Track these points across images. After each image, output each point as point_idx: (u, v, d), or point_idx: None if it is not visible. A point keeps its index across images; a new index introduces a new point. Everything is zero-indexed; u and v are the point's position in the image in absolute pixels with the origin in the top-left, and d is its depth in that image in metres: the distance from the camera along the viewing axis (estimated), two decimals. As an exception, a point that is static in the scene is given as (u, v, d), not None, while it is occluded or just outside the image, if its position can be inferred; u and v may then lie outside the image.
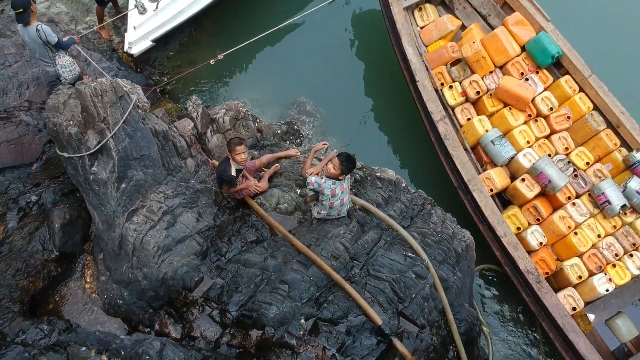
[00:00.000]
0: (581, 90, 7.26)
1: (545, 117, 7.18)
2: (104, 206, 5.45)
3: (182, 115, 6.65)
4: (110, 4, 8.15)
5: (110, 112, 5.39)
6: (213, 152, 6.58)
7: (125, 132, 5.46)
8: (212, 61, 6.21)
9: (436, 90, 7.24)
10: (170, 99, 8.04)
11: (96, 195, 5.45)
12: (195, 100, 6.66)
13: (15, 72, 6.79)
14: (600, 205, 6.74)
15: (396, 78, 8.03)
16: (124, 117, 5.44)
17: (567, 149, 7.09)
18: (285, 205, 5.76)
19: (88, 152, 5.33)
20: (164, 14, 7.87)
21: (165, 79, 8.02)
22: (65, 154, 5.42)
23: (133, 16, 7.88)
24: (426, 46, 7.75)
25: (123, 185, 5.43)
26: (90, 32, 7.72)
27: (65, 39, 6.34)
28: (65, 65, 6.37)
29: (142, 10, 7.86)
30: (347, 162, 5.19)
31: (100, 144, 5.33)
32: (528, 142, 6.98)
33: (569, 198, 6.76)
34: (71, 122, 5.29)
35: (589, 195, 6.87)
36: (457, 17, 7.97)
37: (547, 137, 7.15)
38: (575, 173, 6.88)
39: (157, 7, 7.84)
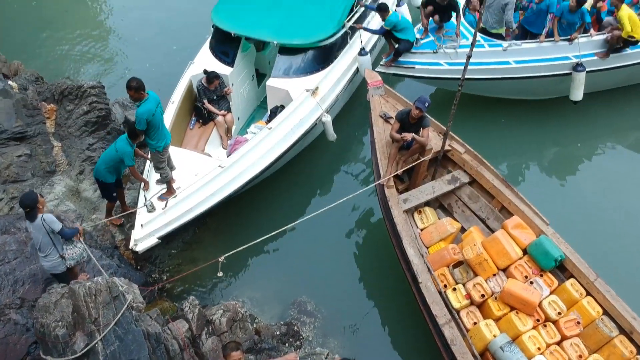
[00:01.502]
0: (588, 294, 7.09)
1: (554, 322, 6.90)
2: (82, 418, 5.01)
3: (177, 316, 6.44)
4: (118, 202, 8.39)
5: (102, 313, 5.22)
6: (207, 356, 6.24)
7: (116, 335, 5.22)
8: (220, 273, 6.20)
9: (440, 293, 7.08)
10: (168, 297, 7.88)
11: (76, 405, 5.05)
12: (192, 300, 6.50)
13: (12, 269, 6.74)
14: (626, 420, 6.18)
15: (398, 279, 7.94)
16: (116, 319, 5.25)
17: (580, 356, 6.69)
18: (281, 419, 5.29)
19: (73, 356, 5.05)
20: (172, 213, 8.04)
21: (165, 277, 7.95)
22: (49, 358, 5.13)
23: (141, 214, 8.04)
24: (427, 248, 7.78)
25: (106, 393, 5.05)
26: (94, 229, 7.84)
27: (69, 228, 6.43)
28: (74, 257, 6.41)
29: (151, 209, 8.04)
30: None
31: (87, 347, 5.07)
32: (539, 348, 6.62)
33: (591, 411, 6.22)
34: (60, 323, 5.09)
35: (612, 408, 6.33)
36: (457, 220, 8.13)
37: (558, 343, 6.79)
38: (593, 384, 6.43)
39: (165, 205, 8.04)
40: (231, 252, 6.30)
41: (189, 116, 9.89)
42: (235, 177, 8.49)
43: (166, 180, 8.15)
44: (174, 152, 8.50)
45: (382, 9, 9.82)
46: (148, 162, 8.56)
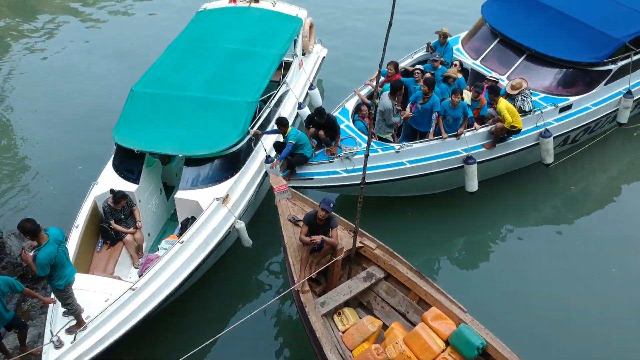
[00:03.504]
0: (514, 380, 7.10)
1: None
2: None
3: None
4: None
5: None
6: None
7: None
8: None
9: (368, 398, 6.88)
10: None
11: None
12: None
13: None
14: None
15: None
16: None
17: None
18: None
19: None
20: (83, 346, 7.52)
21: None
22: None
23: (47, 351, 7.43)
24: (351, 351, 7.61)
25: None
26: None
27: None
28: None
29: (58, 344, 7.48)
30: None
31: None
32: None
33: None
34: None
35: None
36: (378, 317, 8.07)
37: None
38: None
39: (74, 339, 7.52)
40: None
41: (96, 238, 9.47)
42: (149, 298, 8.14)
43: (75, 314, 7.68)
44: (80, 279, 8.05)
45: (283, 124, 9.87)
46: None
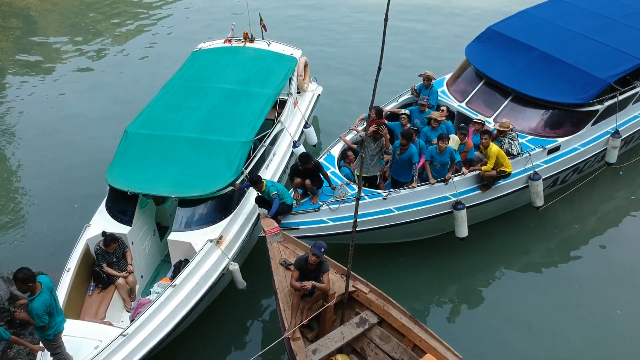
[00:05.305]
0: None
1: None
2: None
3: None
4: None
5: None
6: None
7: None
8: None
9: None
10: None
11: None
12: None
13: None
14: None
15: None
16: None
17: None
18: None
19: None
20: None
21: None
22: None
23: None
24: (345, 401, 7.54)
25: None
26: None
27: None
28: None
29: None
30: None
31: None
32: None
33: None
34: None
35: None
36: (371, 358, 8.00)
37: None
38: None
39: None
40: None
41: (88, 282, 9.40)
42: (140, 344, 8.03)
43: (64, 363, 7.61)
44: (71, 325, 7.94)
45: (256, 181, 9.68)
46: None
